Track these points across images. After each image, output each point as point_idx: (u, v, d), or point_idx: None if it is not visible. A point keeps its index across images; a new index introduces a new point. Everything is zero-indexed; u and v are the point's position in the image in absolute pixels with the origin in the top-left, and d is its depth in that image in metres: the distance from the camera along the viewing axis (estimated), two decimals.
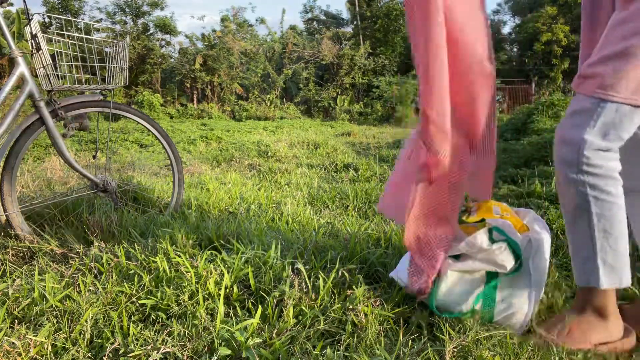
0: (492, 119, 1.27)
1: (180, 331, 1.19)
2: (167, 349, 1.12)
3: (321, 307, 1.32)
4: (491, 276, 1.30)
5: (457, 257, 1.32)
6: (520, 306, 1.26)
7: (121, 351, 1.14)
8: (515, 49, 24.03)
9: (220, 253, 1.63)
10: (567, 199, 1.19)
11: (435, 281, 1.32)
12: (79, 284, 1.42)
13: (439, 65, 1.09)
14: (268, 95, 19.06)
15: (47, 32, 1.90)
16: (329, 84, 19.44)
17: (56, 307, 1.31)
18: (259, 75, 19.68)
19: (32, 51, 1.84)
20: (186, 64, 18.74)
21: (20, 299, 1.37)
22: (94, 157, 2.32)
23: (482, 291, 1.29)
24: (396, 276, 1.45)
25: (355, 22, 21.48)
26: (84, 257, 1.76)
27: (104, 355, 1.12)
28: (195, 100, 19.27)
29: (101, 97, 2.08)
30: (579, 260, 1.21)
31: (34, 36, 1.81)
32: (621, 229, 1.16)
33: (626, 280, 1.18)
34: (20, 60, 1.83)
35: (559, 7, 21.06)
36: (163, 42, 19.46)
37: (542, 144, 4.56)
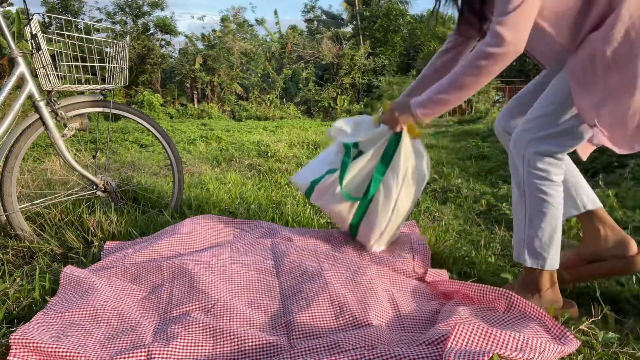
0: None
1: None
2: None
3: None
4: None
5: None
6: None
7: None
8: None
9: None
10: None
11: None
12: None
13: None
14: (268, 95, 19.04)
15: (47, 32, 1.90)
16: (329, 84, 19.43)
17: None
18: (259, 75, 19.68)
19: (32, 51, 1.84)
20: (186, 64, 18.74)
21: (21, 299, 1.37)
22: (94, 157, 2.32)
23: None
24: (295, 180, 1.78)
25: (355, 22, 21.48)
26: (83, 257, 1.76)
27: None
28: (195, 100, 19.27)
29: (101, 97, 2.08)
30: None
31: (34, 36, 1.81)
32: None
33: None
34: (20, 60, 1.83)
35: None
36: (163, 42, 19.46)
37: None
